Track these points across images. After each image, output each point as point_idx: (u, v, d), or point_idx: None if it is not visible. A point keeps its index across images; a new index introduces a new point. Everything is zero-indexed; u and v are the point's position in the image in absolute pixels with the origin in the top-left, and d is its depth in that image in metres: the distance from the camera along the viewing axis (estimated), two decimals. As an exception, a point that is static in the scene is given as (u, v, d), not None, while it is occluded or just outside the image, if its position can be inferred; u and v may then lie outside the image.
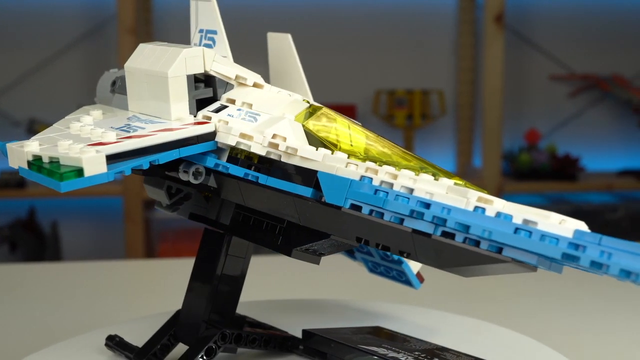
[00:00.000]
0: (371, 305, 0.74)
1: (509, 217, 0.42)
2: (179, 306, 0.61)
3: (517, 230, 0.41)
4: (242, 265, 0.59)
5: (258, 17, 2.24)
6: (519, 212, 0.42)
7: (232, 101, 0.53)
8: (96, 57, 2.24)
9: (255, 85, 0.54)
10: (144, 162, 0.48)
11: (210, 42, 0.57)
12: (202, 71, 0.54)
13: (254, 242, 0.56)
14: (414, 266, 0.64)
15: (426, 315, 0.72)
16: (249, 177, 0.51)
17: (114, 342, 0.61)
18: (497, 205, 0.43)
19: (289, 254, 0.52)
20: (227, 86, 0.55)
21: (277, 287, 0.96)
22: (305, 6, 2.26)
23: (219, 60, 0.54)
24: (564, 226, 0.41)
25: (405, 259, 0.62)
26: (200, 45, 0.57)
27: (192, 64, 0.53)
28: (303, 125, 0.51)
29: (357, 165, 0.47)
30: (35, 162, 0.47)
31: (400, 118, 2.20)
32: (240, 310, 0.64)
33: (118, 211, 2.16)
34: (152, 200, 2.15)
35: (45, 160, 0.47)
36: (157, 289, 0.98)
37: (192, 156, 0.52)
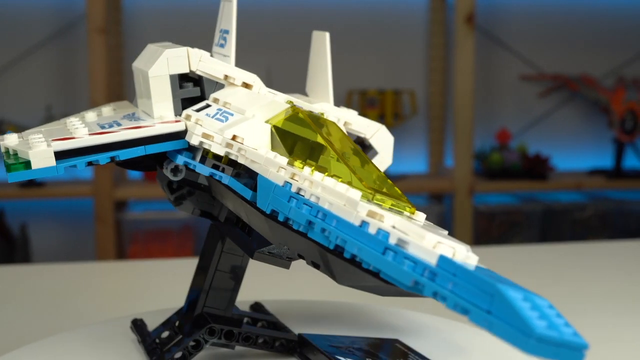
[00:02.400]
0: (408, 315, 0.70)
1: (385, 236, 0.39)
2: (151, 307, 0.61)
3: (385, 250, 0.39)
4: (239, 262, 0.59)
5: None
6: (400, 231, 0.39)
7: (217, 100, 0.54)
8: (66, 57, 2.22)
9: (244, 85, 0.54)
10: (100, 158, 0.50)
11: (223, 42, 0.57)
12: (187, 71, 0.54)
13: (233, 240, 0.56)
14: None
15: (462, 332, 0.66)
16: (215, 177, 0.51)
17: (136, 325, 0.63)
18: (387, 221, 0.40)
19: (251, 256, 0.52)
20: (217, 85, 0.55)
21: (315, 288, 0.94)
22: (277, 6, 2.26)
23: (207, 60, 0.54)
24: (435, 250, 0.37)
25: None
26: (217, 44, 0.58)
27: (175, 64, 0.53)
28: (272, 127, 0.51)
29: (285, 169, 0.46)
30: (6, 154, 0.50)
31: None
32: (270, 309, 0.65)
33: (88, 213, 2.14)
34: (123, 201, 2.15)
35: (11, 152, 0.50)
36: (128, 290, 0.98)
37: (171, 153, 0.53)
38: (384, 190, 0.45)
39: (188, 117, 0.53)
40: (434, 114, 2.36)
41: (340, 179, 0.44)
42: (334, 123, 0.54)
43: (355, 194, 0.42)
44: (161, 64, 0.53)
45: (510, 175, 2.22)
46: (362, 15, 2.32)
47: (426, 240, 0.38)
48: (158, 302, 0.83)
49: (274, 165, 0.47)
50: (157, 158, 0.53)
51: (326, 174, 0.45)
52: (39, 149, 0.48)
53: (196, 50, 0.55)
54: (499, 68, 2.43)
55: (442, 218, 2.23)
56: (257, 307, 0.67)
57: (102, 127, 0.52)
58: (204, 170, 0.52)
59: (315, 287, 0.92)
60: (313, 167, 0.46)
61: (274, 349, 0.59)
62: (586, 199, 2.35)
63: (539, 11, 2.43)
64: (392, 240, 0.39)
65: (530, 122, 2.46)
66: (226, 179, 0.51)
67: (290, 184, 0.45)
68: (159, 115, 0.53)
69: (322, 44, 0.59)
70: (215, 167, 0.52)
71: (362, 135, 0.58)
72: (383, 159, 0.59)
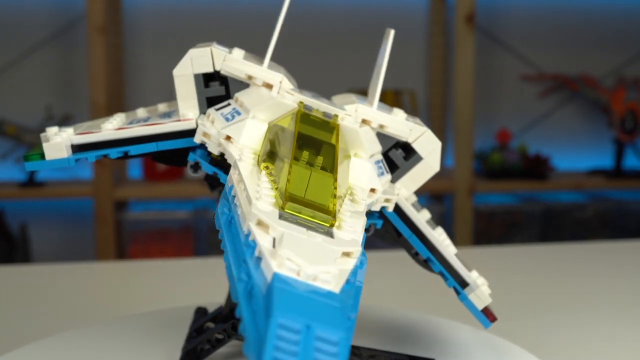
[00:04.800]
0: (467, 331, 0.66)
1: (252, 249, 0.37)
2: (151, 307, 0.61)
3: (241, 264, 0.37)
4: None
5: (233, 16, 2.23)
6: (273, 244, 0.37)
7: (237, 100, 0.54)
8: (65, 58, 2.22)
9: (264, 84, 0.54)
10: (111, 152, 0.53)
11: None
12: (211, 70, 0.54)
13: None
14: (478, 300, 0.54)
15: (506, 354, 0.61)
16: (218, 176, 0.52)
17: (197, 313, 0.64)
18: (272, 233, 0.38)
19: None
20: (243, 85, 0.55)
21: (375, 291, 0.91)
22: (276, 6, 2.26)
23: (231, 60, 0.54)
24: (274, 268, 0.34)
25: (462, 290, 0.54)
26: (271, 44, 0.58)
27: (199, 64, 0.54)
28: (269, 128, 0.51)
29: (237, 172, 0.46)
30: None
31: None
32: None
33: (88, 213, 2.14)
34: (123, 201, 2.15)
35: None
36: (128, 290, 0.97)
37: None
38: (315, 201, 0.42)
39: (208, 116, 0.53)
40: (434, 114, 2.36)
41: (275, 185, 0.43)
42: (338, 127, 0.52)
43: (265, 201, 0.41)
44: (185, 64, 0.53)
45: (510, 175, 2.22)
46: (362, 15, 2.32)
47: (277, 257, 0.35)
48: (158, 302, 0.83)
49: (235, 168, 0.47)
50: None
51: (270, 178, 0.44)
52: (55, 141, 0.51)
53: (220, 50, 0.54)
54: (499, 68, 2.43)
55: (442, 218, 2.23)
56: None
57: (131, 123, 0.54)
58: (209, 168, 0.52)
59: (398, 293, 0.91)
60: (267, 172, 0.45)
61: None
62: (586, 199, 2.35)
63: (539, 11, 2.43)
64: (256, 254, 0.37)
65: (530, 122, 2.46)
66: (223, 177, 0.51)
67: (232, 187, 0.45)
68: (182, 113, 0.54)
69: (385, 41, 0.58)
70: (219, 166, 0.52)
71: (403, 139, 0.54)
72: (428, 166, 0.56)
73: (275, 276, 0.34)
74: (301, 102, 0.52)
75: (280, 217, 0.40)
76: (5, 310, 0.87)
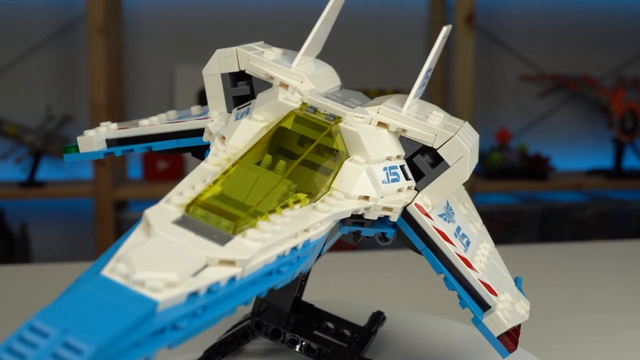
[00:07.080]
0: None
1: (114, 250, 0.36)
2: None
3: (97, 265, 0.36)
4: None
5: (233, 15, 2.23)
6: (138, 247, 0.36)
7: (255, 99, 0.54)
8: (66, 58, 2.22)
9: (281, 85, 0.53)
10: (135, 148, 0.56)
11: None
12: (237, 70, 0.54)
13: None
14: (493, 325, 0.48)
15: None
16: None
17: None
18: (150, 235, 0.37)
19: None
20: (265, 85, 0.54)
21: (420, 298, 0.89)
22: (276, 6, 2.26)
23: (254, 60, 0.54)
24: (110, 272, 0.33)
25: (481, 313, 0.49)
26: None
27: (225, 63, 0.54)
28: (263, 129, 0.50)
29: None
30: None
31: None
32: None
33: (89, 213, 2.14)
34: (123, 201, 2.14)
35: None
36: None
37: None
38: (245, 204, 0.40)
39: (230, 115, 0.53)
40: (434, 114, 2.36)
41: (210, 187, 0.41)
42: (331, 129, 0.51)
43: (175, 202, 0.39)
44: (213, 63, 0.54)
45: (510, 175, 2.22)
46: (361, 16, 2.32)
47: (117, 260, 0.35)
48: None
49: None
50: None
51: (211, 179, 0.42)
52: (88, 135, 0.55)
53: (245, 50, 0.54)
54: (499, 68, 2.43)
55: (442, 218, 2.24)
56: (374, 315, 0.65)
57: (170, 121, 0.56)
58: None
59: (399, 294, 0.91)
60: (221, 172, 0.43)
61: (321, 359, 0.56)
62: (586, 199, 2.35)
63: (539, 11, 2.43)
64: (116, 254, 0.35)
65: (530, 122, 2.46)
66: None
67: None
68: (210, 112, 0.55)
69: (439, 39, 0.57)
70: None
71: (428, 145, 0.49)
72: (455, 174, 0.50)
73: (96, 279, 0.32)
74: (304, 104, 0.50)
75: (181, 219, 0.38)
76: (5, 310, 0.87)
